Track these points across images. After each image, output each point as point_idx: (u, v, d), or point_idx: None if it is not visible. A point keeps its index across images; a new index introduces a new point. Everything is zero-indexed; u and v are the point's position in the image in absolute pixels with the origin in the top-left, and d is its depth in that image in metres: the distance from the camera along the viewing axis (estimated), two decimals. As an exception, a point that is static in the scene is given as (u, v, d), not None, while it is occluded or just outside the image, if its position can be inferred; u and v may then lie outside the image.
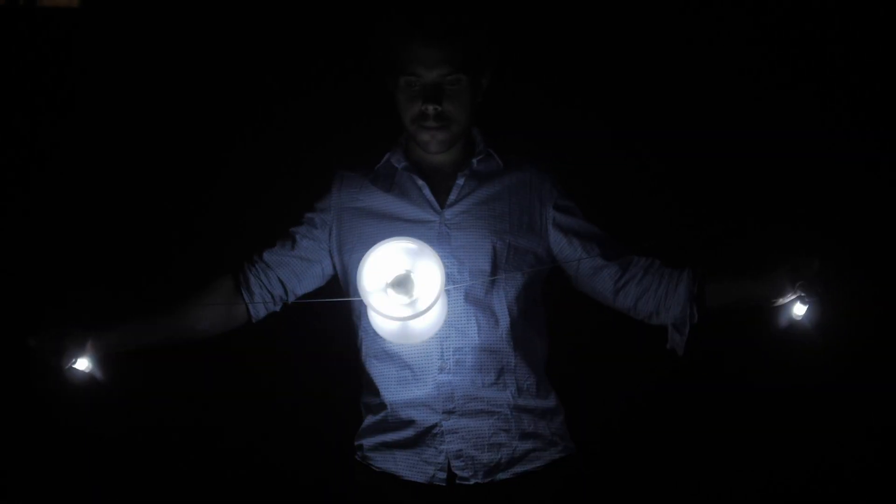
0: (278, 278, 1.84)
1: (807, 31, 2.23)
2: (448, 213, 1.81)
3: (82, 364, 1.63)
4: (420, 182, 1.84)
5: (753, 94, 2.26)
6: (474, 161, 1.86)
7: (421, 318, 1.61)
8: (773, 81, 2.25)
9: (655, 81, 2.29)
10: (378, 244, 1.60)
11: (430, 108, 1.75)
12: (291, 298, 1.86)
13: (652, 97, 2.28)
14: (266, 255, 1.85)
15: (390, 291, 1.60)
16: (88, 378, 1.64)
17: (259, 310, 1.83)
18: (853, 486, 2.21)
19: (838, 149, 2.16)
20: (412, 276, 1.60)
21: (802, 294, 1.62)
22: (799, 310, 1.63)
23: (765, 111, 2.25)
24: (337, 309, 1.83)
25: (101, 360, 1.66)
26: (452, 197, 1.83)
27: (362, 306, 1.79)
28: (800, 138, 2.20)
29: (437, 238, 1.78)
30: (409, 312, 1.59)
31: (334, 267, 1.88)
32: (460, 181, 1.84)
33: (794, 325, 1.65)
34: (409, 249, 1.61)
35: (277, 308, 1.86)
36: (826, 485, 2.22)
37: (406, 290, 1.60)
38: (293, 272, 1.85)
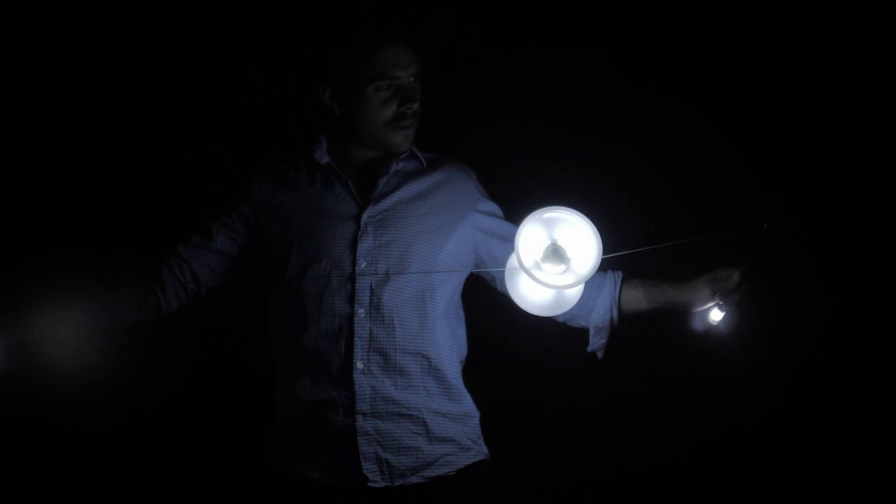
0: (192, 271, 1.79)
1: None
2: (370, 210, 1.78)
3: None
4: (343, 178, 1.81)
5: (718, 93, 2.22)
6: (398, 159, 1.83)
7: (545, 291, 1.62)
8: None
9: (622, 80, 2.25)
10: (571, 210, 1.57)
11: (415, 108, 1.74)
12: (204, 292, 1.82)
13: (617, 96, 2.25)
14: (180, 248, 1.80)
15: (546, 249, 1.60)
16: None
17: (170, 303, 1.78)
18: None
19: (796, 149, 2.14)
20: (567, 253, 1.59)
21: (720, 302, 1.68)
22: (716, 316, 1.70)
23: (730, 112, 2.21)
24: (247, 304, 1.80)
25: (3, 349, 1.61)
26: (375, 194, 1.80)
27: (282, 301, 1.75)
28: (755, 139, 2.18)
29: (358, 235, 1.75)
30: (538, 275, 1.57)
31: (251, 262, 1.84)
32: (384, 179, 1.81)
33: (710, 330, 1.71)
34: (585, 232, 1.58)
35: (188, 301, 1.81)
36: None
37: (555, 258, 1.59)
38: (208, 266, 1.80)
